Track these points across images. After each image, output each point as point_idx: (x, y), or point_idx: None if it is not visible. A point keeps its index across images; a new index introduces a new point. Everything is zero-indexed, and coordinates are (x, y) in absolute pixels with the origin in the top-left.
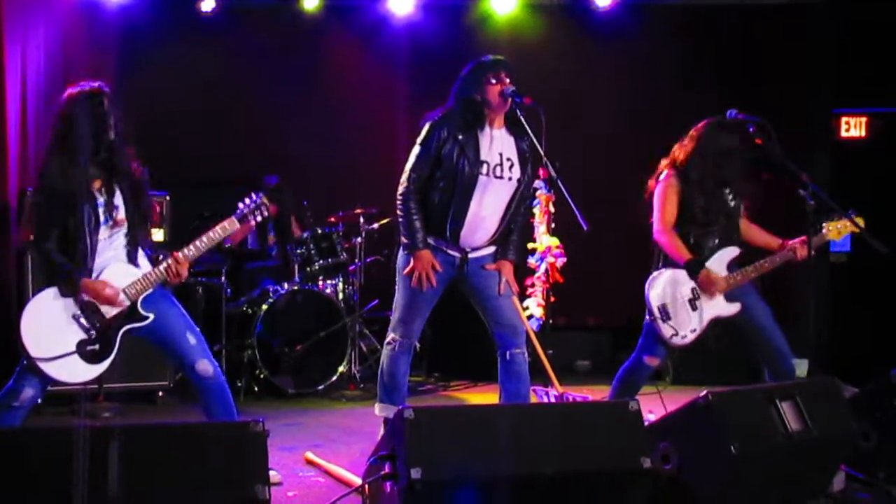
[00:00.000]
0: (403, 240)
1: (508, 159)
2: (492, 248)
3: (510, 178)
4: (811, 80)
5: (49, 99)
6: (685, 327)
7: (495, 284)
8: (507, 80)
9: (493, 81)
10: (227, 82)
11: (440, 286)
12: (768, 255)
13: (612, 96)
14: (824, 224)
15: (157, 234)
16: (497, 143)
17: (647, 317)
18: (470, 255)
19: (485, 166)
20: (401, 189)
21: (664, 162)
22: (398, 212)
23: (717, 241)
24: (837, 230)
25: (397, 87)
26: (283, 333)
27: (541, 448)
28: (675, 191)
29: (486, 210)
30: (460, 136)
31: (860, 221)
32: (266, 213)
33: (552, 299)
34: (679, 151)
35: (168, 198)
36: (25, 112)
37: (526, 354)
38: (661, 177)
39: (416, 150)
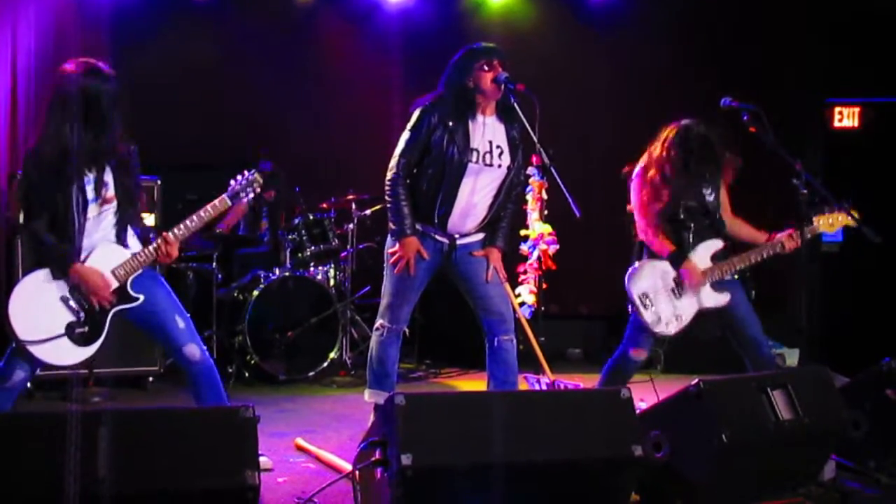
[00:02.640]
0: (391, 225)
1: (498, 147)
2: (480, 235)
3: (500, 166)
4: (804, 70)
5: (40, 81)
6: (668, 314)
7: (483, 271)
8: (500, 68)
9: (486, 69)
10: (219, 67)
11: (428, 272)
12: (755, 248)
13: (605, 84)
14: (815, 217)
15: (149, 219)
16: (488, 131)
17: (629, 307)
18: (458, 242)
19: (474, 154)
20: (389, 175)
21: (637, 162)
22: (386, 197)
23: (691, 237)
24: (829, 223)
25: (390, 74)
26: (274, 320)
27: (532, 435)
28: (648, 190)
29: (475, 197)
30: (450, 123)
31: (855, 214)
32: (258, 190)
33: (544, 286)
34: (651, 153)
35: (159, 182)
36: (15, 95)
37: (514, 341)
38: (634, 176)
39: (405, 135)
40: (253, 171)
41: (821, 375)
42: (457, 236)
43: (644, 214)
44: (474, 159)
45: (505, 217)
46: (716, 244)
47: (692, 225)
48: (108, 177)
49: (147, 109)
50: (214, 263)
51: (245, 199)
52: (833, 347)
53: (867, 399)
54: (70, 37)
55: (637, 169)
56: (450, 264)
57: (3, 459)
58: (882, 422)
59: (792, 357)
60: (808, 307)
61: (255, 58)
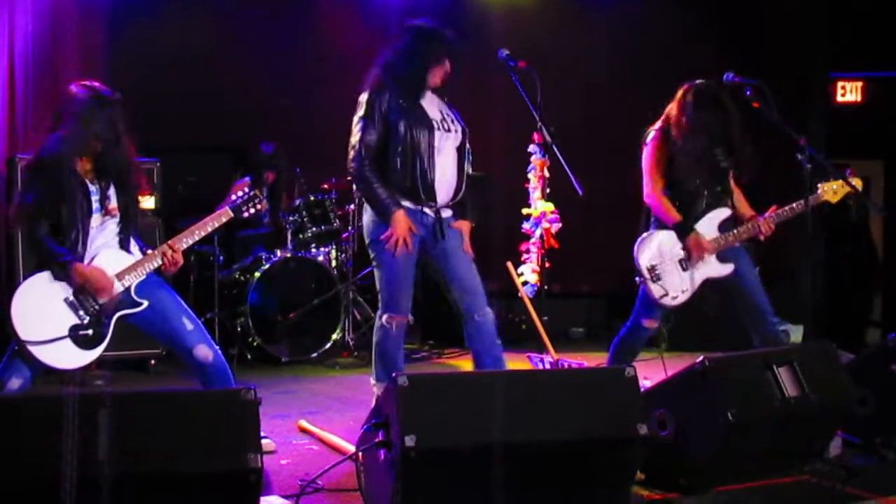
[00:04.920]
0: (375, 209)
1: (448, 115)
2: (451, 211)
3: (455, 131)
4: (807, 44)
5: (38, 66)
6: (675, 288)
7: (460, 246)
8: (449, 67)
9: (440, 64)
10: (219, 48)
11: (415, 248)
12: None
13: (608, 61)
14: (819, 185)
15: (149, 202)
16: (433, 104)
17: (638, 279)
18: (443, 215)
19: (434, 122)
20: (353, 164)
21: (654, 125)
22: (359, 185)
23: (704, 203)
24: (833, 191)
25: None
26: (276, 301)
27: (536, 415)
28: (662, 153)
29: (443, 163)
30: (402, 101)
31: (857, 183)
32: (259, 207)
33: (547, 265)
34: (668, 114)
35: (159, 165)
36: (13, 79)
37: (490, 311)
38: (649, 139)
39: (358, 123)
40: (255, 189)
41: (827, 352)
42: (439, 207)
43: (653, 177)
44: (437, 127)
45: (465, 189)
46: (723, 213)
47: (705, 192)
48: (112, 191)
49: (146, 92)
50: (215, 245)
51: (245, 214)
52: (838, 323)
53: (873, 375)
54: (67, 21)
55: (651, 132)
56: (436, 240)
57: (1, 443)
58: (888, 398)
59: (796, 333)
60: (813, 283)
61: (255, 38)
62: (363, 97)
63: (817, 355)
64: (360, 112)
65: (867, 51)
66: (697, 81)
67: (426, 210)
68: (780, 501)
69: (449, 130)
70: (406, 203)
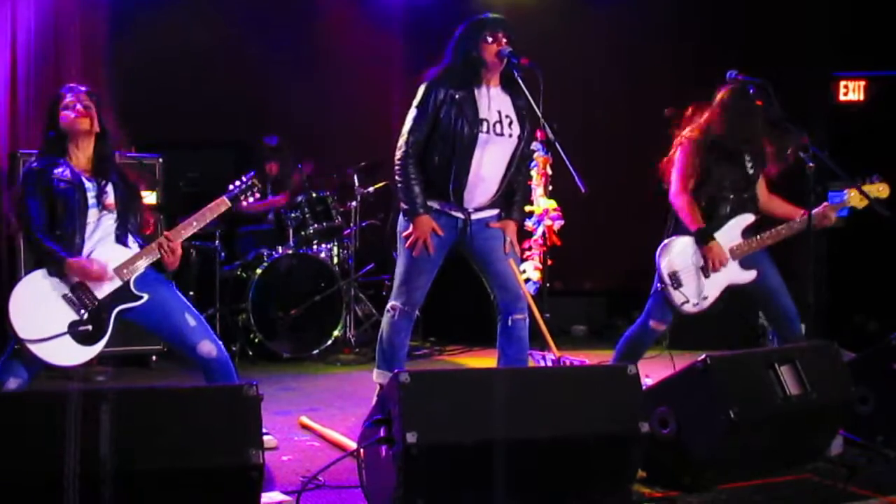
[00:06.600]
0: (402, 205)
1: (507, 116)
2: (495, 210)
3: (510, 136)
4: (810, 43)
5: (39, 60)
6: (697, 295)
7: (499, 247)
8: (505, 40)
9: (490, 40)
10: (221, 45)
11: (442, 251)
12: (786, 224)
13: (609, 58)
14: (846, 190)
15: (151, 197)
16: (494, 102)
17: (658, 284)
18: (472, 217)
19: (484, 124)
20: (399, 153)
21: (688, 126)
22: (396, 177)
23: (729, 209)
24: (860, 198)
25: (393, 48)
26: (277, 297)
27: (537, 412)
28: (695, 155)
29: (486, 168)
30: (457, 96)
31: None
32: (258, 195)
33: (549, 262)
34: (704, 116)
35: (161, 160)
36: (15, 74)
37: (527, 320)
38: (683, 140)
39: (412, 112)
40: (251, 173)
41: (828, 350)
42: (471, 211)
43: (684, 177)
44: (485, 129)
45: (518, 190)
46: (747, 219)
47: (732, 196)
48: (109, 188)
49: (148, 87)
50: (217, 241)
51: (244, 203)
52: (839, 322)
53: (875, 374)
54: (70, 16)
55: (687, 132)
56: (465, 241)
57: (4, 438)
58: (890, 397)
59: None
60: (816, 282)
61: (256, 35)
62: (421, 87)
63: (819, 354)
64: (415, 101)
65: (870, 49)
66: (734, 85)
67: (454, 213)
68: (782, 500)
69: (501, 134)
70: (434, 204)
